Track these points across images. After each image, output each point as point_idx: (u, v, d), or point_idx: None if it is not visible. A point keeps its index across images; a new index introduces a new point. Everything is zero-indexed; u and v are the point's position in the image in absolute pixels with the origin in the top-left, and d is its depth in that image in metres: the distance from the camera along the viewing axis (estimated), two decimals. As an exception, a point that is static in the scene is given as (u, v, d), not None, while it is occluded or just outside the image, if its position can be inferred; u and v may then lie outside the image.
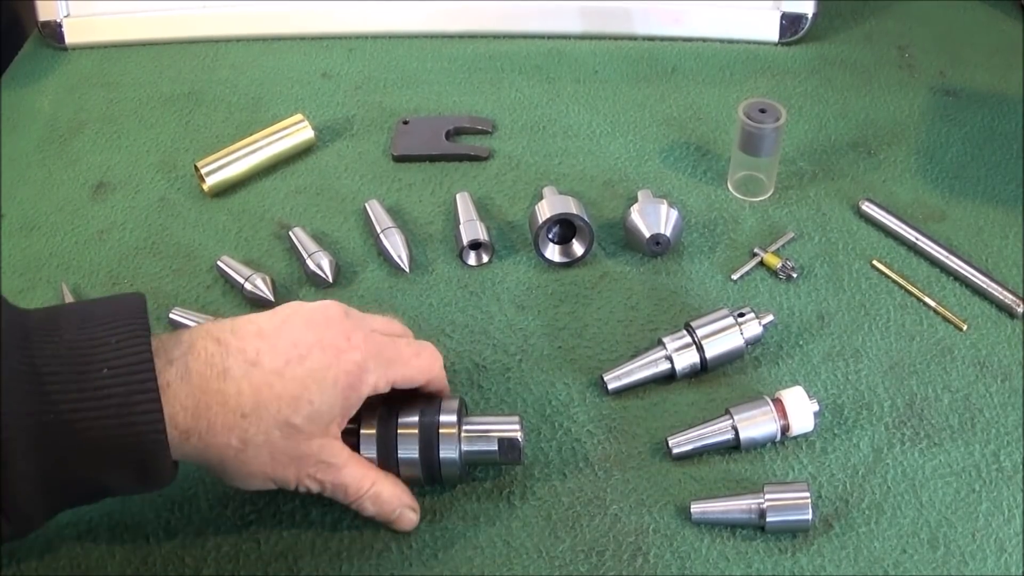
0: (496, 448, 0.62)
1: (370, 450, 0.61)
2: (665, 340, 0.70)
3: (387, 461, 0.62)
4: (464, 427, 0.62)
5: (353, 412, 0.60)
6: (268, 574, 0.61)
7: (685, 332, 0.71)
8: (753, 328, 0.70)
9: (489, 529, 0.63)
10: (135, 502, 0.64)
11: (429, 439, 0.61)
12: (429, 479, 0.62)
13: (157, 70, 1.03)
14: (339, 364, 0.58)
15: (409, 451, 0.61)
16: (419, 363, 0.62)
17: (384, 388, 0.60)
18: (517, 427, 0.62)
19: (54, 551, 0.62)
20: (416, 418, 0.62)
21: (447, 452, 0.61)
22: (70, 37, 1.05)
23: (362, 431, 0.62)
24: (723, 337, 0.70)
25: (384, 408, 0.62)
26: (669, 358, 0.70)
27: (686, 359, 0.70)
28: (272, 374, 0.56)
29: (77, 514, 0.63)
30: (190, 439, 0.55)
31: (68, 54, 1.05)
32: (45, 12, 1.04)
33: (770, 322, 0.72)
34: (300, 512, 0.64)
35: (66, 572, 0.61)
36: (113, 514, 0.64)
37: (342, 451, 0.60)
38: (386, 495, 0.61)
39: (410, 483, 0.63)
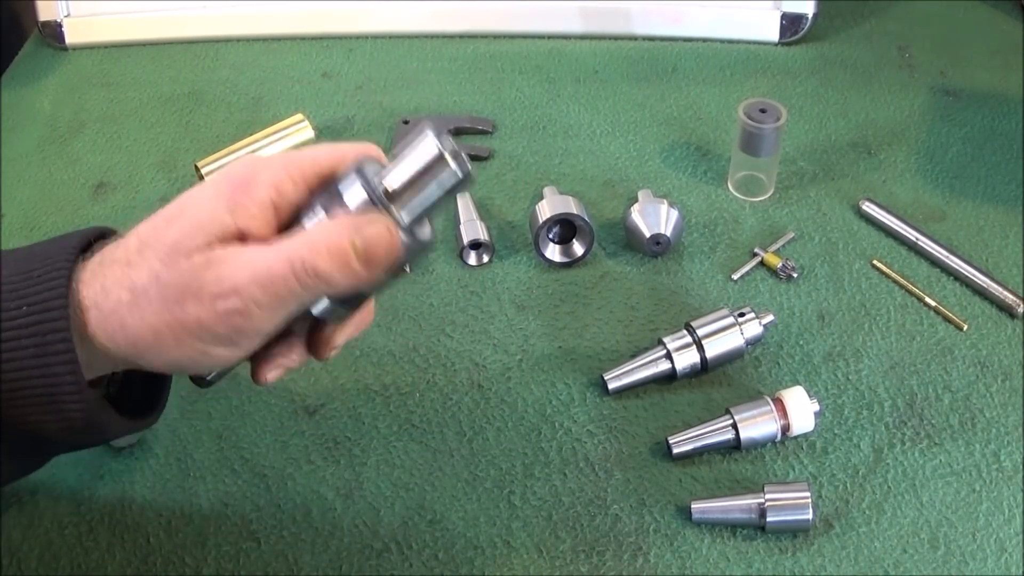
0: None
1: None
2: (665, 340, 0.70)
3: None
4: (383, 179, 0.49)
5: (255, 220, 0.47)
6: (268, 574, 0.61)
7: (685, 332, 0.71)
8: (753, 328, 0.70)
9: (489, 529, 0.63)
10: (135, 502, 0.64)
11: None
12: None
13: (157, 70, 1.03)
14: (223, 181, 0.48)
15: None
16: (320, 150, 0.50)
17: (293, 178, 0.48)
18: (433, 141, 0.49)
19: (54, 551, 0.62)
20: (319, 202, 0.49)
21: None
22: (70, 37, 1.05)
23: None
24: (723, 337, 0.70)
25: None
26: (669, 358, 0.70)
27: (686, 359, 0.70)
28: (154, 219, 0.48)
29: (77, 514, 0.64)
30: (86, 331, 0.47)
31: (68, 54, 1.05)
32: (45, 12, 1.04)
33: (770, 322, 0.72)
34: (300, 512, 0.64)
35: (66, 572, 0.61)
36: (113, 514, 0.64)
37: (244, 249, 0.47)
38: (322, 235, 0.47)
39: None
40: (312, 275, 0.46)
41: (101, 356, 0.48)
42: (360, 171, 0.49)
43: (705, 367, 0.70)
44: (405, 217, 0.49)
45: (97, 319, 0.47)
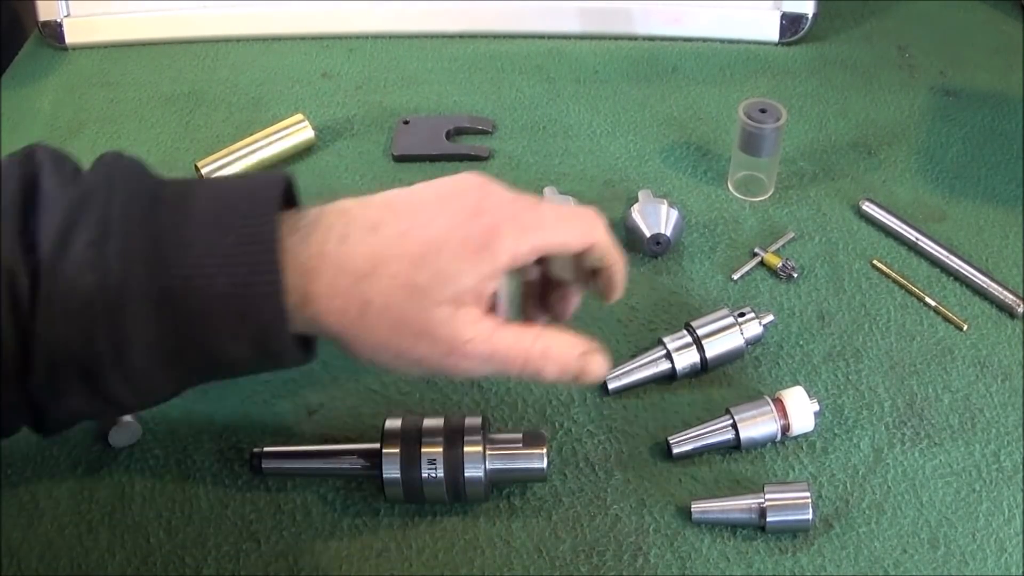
0: (521, 467, 0.62)
1: (393, 470, 0.61)
2: (665, 340, 0.70)
3: (411, 482, 0.61)
4: (489, 445, 0.62)
5: (490, 285, 0.53)
6: (268, 574, 0.61)
7: (685, 332, 0.71)
8: (753, 328, 0.71)
9: (489, 529, 0.63)
10: (135, 502, 0.64)
11: (454, 459, 0.61)
12: (455, 497, 0.62)
13: (157, 70, 1.03)
14: (468, 226, 0.53)
15: (433, 471, 0.61)
16: (567, 228, 0.56)
17: (527, 255, 0.54)
18: (543, 449, 0.62)
19: (54, 551, 0.62)
20: (440, 437, 0.61)
21: (472, 472, 0.61)
22: (70, 37, 1.05)
23: (384, 450, 0.61)
24: (723, 337, 0.70)
25: (407, 426, 0.62)
26: (669, 357, 0.70)
27: (686, 359, 0.70)
28: (394, 237, 0.53)
29: (77, 513, 0.63)
30: (308, 306, 0.52)
31: (68, 54, 1.05)
32: (45, 12, 1.04)
33: (770, 322, 0.72)
34: (300, 512, 0.64)
35: (66, 572, 0.61)
36: (113, 514, 0.64)
37: (484, 318, 0.53)
38: (556, 347, 0.55)
39: (434, 502, 0.63)
40: (533, 374, 0.55)
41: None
42: None
43: (705, 367, 0.70)
44: None
45: (316, 316, 0.52)
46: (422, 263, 0.52)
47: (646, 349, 0.71)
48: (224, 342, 0.51)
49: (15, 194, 0.51)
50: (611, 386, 0.69)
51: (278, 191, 0.53)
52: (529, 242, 0.54)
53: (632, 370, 0.70)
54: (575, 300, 0.62)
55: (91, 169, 0.53)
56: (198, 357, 0.52)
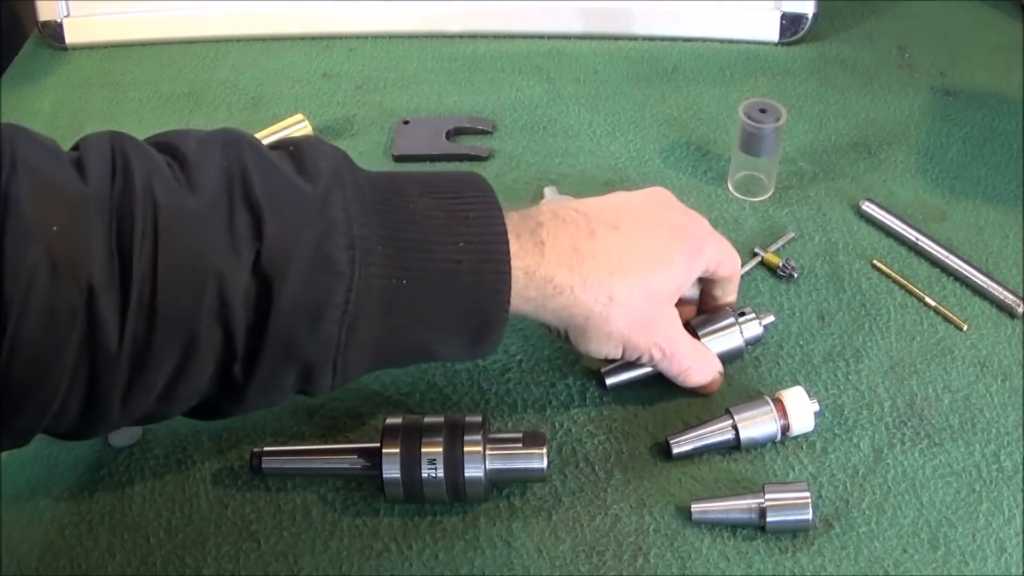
0: (521, 467, 0.62)
1: (393, 470, 0.61)
2: None
3: (411, 482, 0.61)
4: (489, 445, 0.62)
5: (688, 286, 0.64)
6: (268, 574, 0.61)
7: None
8: (753, 328, 0.70)
9: (489, 529, 0.63)
10: (135, 502, 0.64)
11: (454, 458, 0.61)
12: (455, 497, 0.62)
13: (157, 70, 1.03)
14: (688, 232, 0.63)
15: (433, 471, 0.61)
16: (733, 252, 0.67)
17: (709, 266, 0.64)
18: (543, 449, 0.62)
19: (54, 551, 0.62)
20: (440, 437, 0.61)
21: (472, 472, 0.61)
22: (70, 37, 1.05)
23: (384, 450, 0.61)
24: (723, 336, 0.70)
25: (407, 426, 0.62)
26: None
27: None
28: (632, 237, 0.61)
29: (77, 514, 0.64)
30: (563, 294, 0.58)
31: (68, 54, 1.05)
32: (45, 12, 1.04)
33: (771, 323, 0.72)
34: (300, 512, 0.64)
35: (66, 572, 0.61)
36: (113, 514, 0.64)
37: (679, 320, 0.64)
38: (700, 367, 0.66)
39: (433, 502, 0.63)
40: (685, 375, 0.66)
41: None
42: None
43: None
44: None
45: (567, 305, 0.59)
46: (657, 266, 0.61)
47: None
48: (440, 342, 0.56)
49: (220, 189, 0.49)
50: (608, 381, 0.69)
51: (490, 190, 0.57)
52: (717, 254, 0.64)
53: (631, 366, 0.69)
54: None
55: (309, 161, 0.52)
56: (409, 351, 0.57)
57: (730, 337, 0.70)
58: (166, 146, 0.52)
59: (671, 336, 0.64)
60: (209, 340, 0.48)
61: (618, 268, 0.60)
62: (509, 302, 0.55)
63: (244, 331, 0.49)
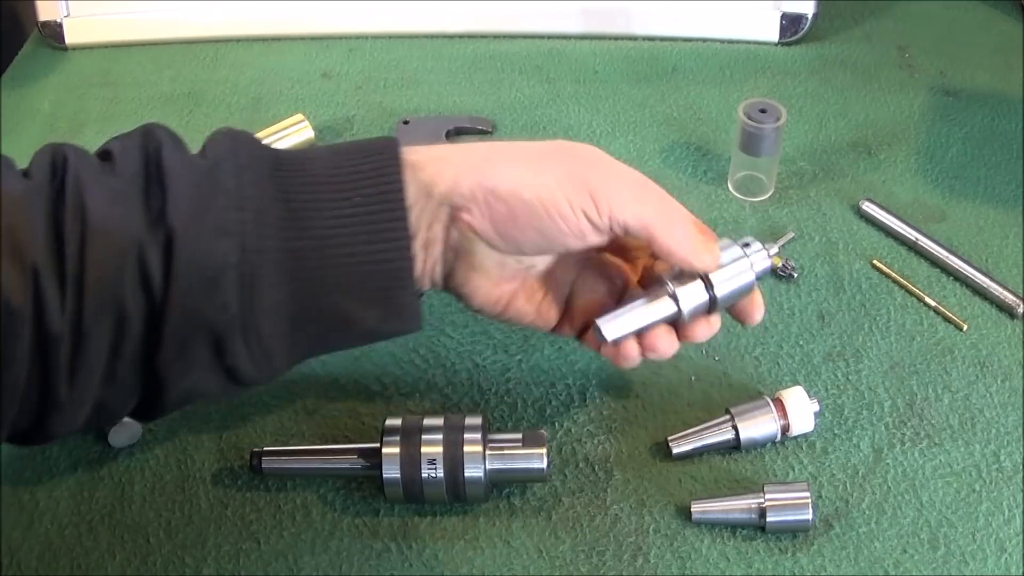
0: (521, 467, 0.62)
1: (393, 470, 0.61)
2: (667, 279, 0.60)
3: (411, 482, 0.61)
4: (489, 445, 0.62)
5: (591, 237, 0.57)
6: (268, 574, 0.61)
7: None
8: (762, 260, 0.61)
9: (489, 529, 0.63)
10: (135, 502, 0.64)
11: (454, 458, 0.61)
12: (455, 497, 0.62)
13: (157, 70, 1.03)
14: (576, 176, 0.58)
15: (433, 471, 0.61)
16: (666, 208, 0.61)
17: (612, 215, 0.58)
18: (543, 449, 0.62)
19: (54, 551, 0.62)
20: (440, 437, 0.61)
21: (472, 472, 0.61)
22: (70, 37, 1.05)
23: (384, 450, 0.61)
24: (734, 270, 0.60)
25: (407, 426, 0.62)
26: (675, 298, 0.59)
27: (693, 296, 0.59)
28: (510, 146, 0.59)
29: (77, 514, 0.64)
30: (433, 195, 0.55)
31: (68, 54, 1.05)
32: (45, 12, 1.04)
33: (790, 240, 0.67)
34: (300, 512, 0.64)
35: (66, 572, 0.61)
36: (113, 514, 0.64)
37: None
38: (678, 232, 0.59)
39: (433, 502, 0.63)
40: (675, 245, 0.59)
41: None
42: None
43: (714, 304, 0.60)
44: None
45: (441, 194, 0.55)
46: (528, 165, 0.57)
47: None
48: (352, 306, 0.53)
49: (137, 169, 0.51)
50: (604, 329, 0.59)
51: (396, 150, 0.55)
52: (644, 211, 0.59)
53: (635, 308, 0.59)
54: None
55: (212, 142, 0.54)
56: (321, 320, 0.54)
57: (741, 270, 0.60)
58: (100, 151, 0.54)
59: (612, 199, 0.58)
60: (136, 311, 0.49)
61: (489, 155, 0.57)
62: (409, 248, 0.53)
63: (160, 301, 0.50)
